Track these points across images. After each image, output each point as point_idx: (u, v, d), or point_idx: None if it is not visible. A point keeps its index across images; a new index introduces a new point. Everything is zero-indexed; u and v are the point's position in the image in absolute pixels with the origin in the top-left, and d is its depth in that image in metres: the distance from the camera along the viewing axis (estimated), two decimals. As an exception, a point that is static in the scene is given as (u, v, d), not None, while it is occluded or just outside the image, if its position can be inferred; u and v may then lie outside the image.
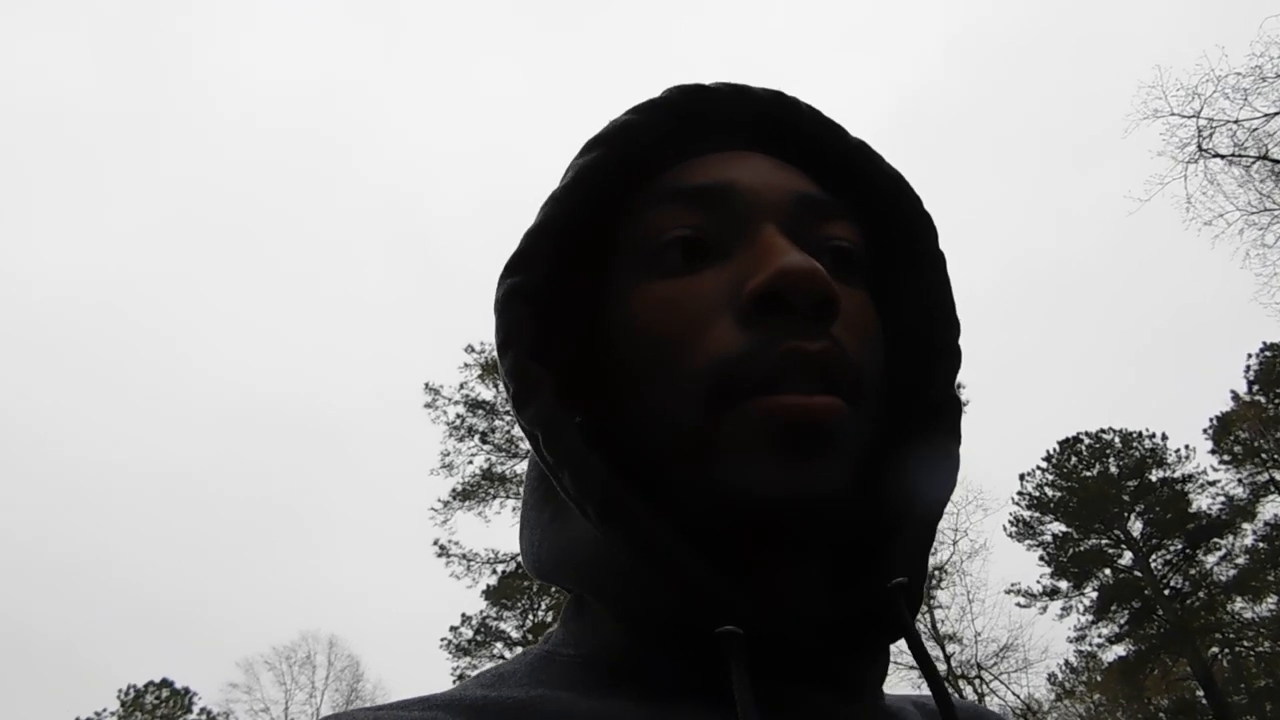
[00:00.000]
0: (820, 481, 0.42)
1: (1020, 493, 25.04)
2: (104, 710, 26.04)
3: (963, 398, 0.57)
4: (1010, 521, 24.74)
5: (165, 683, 26.88)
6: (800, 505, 0.42)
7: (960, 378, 0.53)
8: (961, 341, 0.53)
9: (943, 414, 0.51)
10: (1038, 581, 24.22)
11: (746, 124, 0.53)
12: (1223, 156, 14.30)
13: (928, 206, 0.55)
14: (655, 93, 0.52)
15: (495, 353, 0.49)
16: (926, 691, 0.49)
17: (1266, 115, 13.95)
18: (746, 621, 0.40)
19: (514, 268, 0.49)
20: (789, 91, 0.54)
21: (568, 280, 0.51)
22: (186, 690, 27.03)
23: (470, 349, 19.47)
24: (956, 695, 0.74)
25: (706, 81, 0.53)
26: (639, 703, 0.42)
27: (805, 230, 0.48)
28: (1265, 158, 14.14)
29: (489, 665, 0.51)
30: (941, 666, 20.09)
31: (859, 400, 0.44)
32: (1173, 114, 14.29)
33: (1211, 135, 14.20)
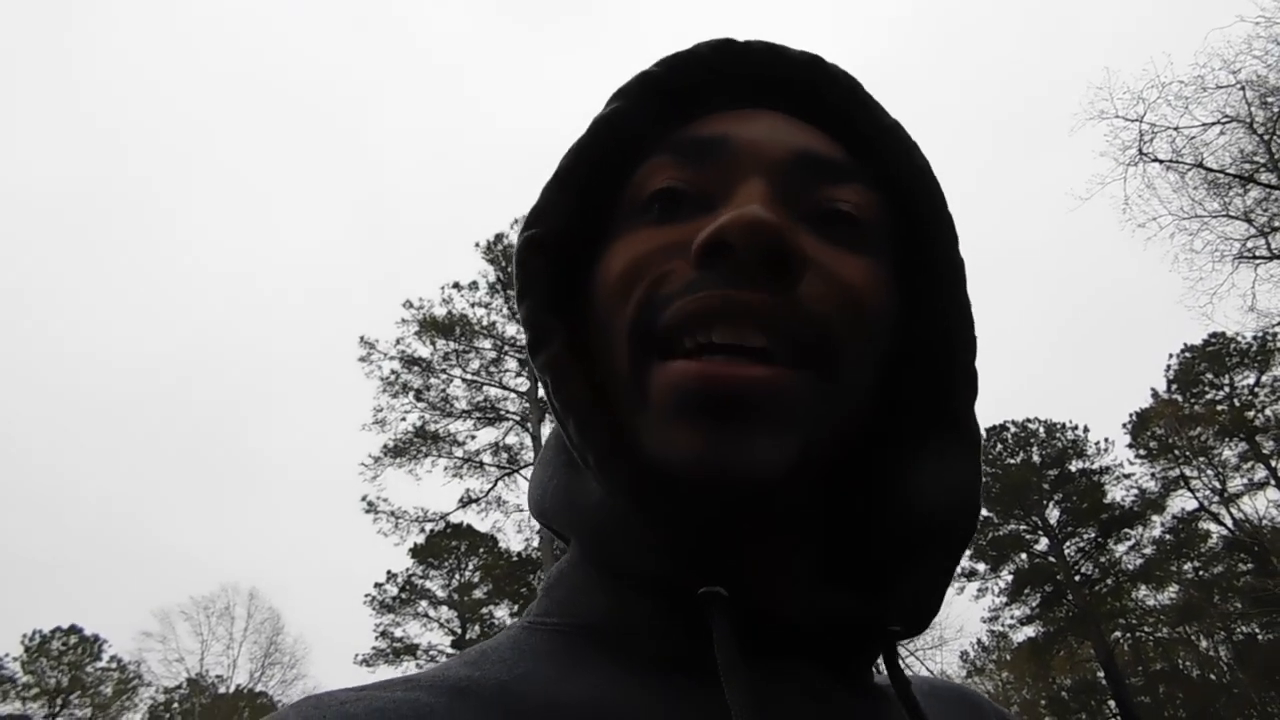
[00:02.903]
0: (746, 460, 0.39)
1: (947, 477, 25.71)
2: (5, 655, 25.15)
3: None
4: (935, 504, 25.40)
5: (73, 629, 26.10)
6: (726, 485, 0.39)
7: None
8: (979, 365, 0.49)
9: (963, 439, 0.47)
10: (957, 563, 25.03)
11: (776, 84, 0.51)
12: (1161, 161, 14.68)
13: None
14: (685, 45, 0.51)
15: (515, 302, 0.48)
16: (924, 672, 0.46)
17: (1204, 124, 14.33)
18: (732, 586, 0.39)
19: (532, 220, 0.49)
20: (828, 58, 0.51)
21: (587, 231, 0.49)
22: (96, 637, 26.29)
23: (409, 304, 19.04)
24: (935, 675, 0.70)
25: (740, 38, 0.51)
26: (624, 675, 0.41)
27: (805, 189, 0.46)
28: (1200, 165, 14.56)
29: (475, 644, 0.48)
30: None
31: (821, 365, 0.41)
32: (1117, 116, 14.61)
33: (1152, 140, 14.58)
